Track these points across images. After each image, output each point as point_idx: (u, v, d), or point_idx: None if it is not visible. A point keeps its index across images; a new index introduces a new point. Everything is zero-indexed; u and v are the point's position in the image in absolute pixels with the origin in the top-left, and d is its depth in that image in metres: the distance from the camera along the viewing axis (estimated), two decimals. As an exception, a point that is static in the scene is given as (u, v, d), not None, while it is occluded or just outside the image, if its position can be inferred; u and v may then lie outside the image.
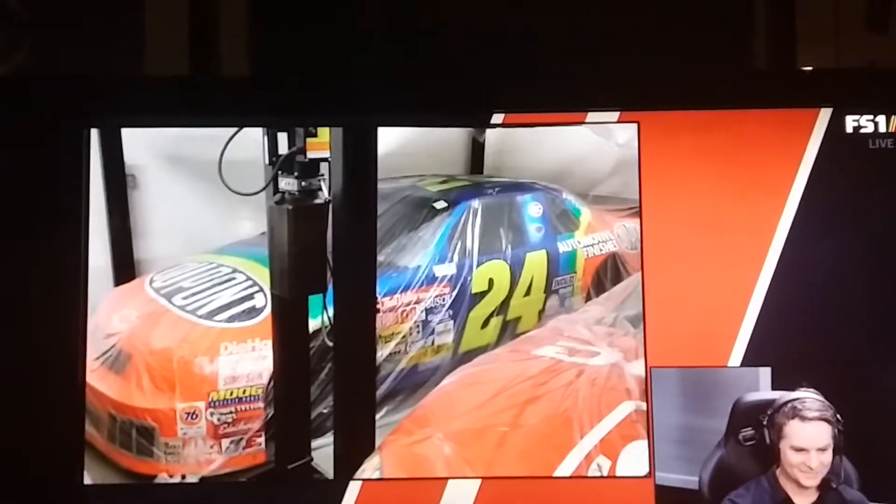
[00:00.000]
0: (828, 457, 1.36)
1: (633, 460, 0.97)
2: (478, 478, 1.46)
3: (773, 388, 1.43)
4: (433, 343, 1.38)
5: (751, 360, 1.45)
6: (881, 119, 1.48)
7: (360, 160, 1.27)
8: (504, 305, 1.44)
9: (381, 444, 1.20)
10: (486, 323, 1.42)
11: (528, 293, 1.46)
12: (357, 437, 1.23)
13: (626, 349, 1.08)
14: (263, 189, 1.35)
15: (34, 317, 1.43)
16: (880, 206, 1.47)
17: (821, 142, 1.47)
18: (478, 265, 1.42)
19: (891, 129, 1.48)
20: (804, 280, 1.46)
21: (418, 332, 1.36)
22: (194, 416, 1.34)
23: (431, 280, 1.39)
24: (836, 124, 1.47)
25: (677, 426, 1.45)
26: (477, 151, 1.53)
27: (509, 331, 1.40)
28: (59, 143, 1.48)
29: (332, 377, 1.20)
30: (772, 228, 1.47)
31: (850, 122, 1.48)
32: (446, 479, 1.46)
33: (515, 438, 1.04)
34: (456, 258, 1.42)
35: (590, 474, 1.11)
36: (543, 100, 1.51)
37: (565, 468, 0.98)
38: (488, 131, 1.46)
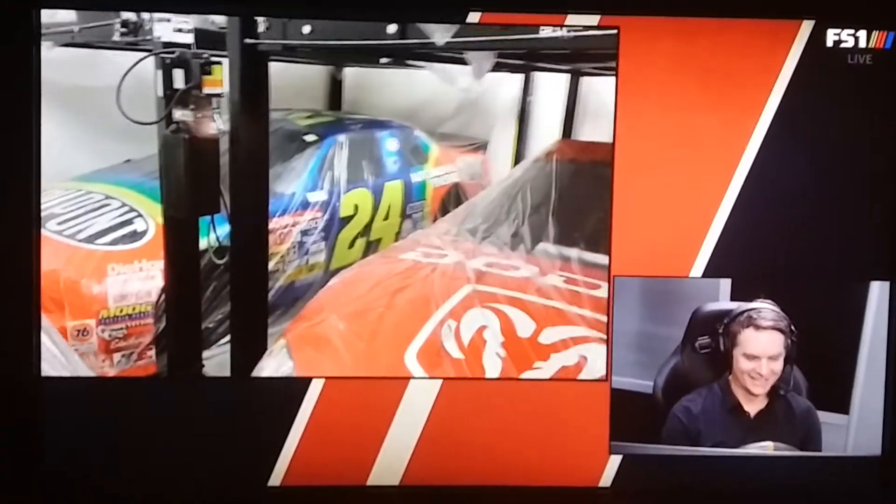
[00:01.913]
0: (778, 365, 1.41)
1: (473, 322, 1.27)
2: (438, 378, 1.49)
3: (733, 299, 1.47)
4: (307, 262, 1.53)
5: (712, 271, 1.47)
6: (862, 34, 1.45)
7: (253, 93, 1.35)
8: (367, 228, 1.62)
9: (284, 330, 1.36)
10: (352, 244, 1.60)
11: (387, 217, 1.66)
12: (251, 343, 1.36)
13: (465, 251, 1.39)
14: (161, 120, 1.38)
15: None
16: (852, 124, 1.47)
17: (800, 55, 1.45)
18: (345, 192, 1.59)
19: (871, 45, 1.46)
20: (771, 194, 1.47)
21: (294, 252, 1.50)
22: (85, 333, 1.42)
23: (305, 206, 1.53)
24: (817, 37, 1.45)
25: (636, 333, 1.48)
26: (335, 88, 1.69)
27: (371, 250, 1.61)
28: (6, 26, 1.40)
29: (230, 290, 1.34)
30: (744, 142, 1.46)
31: (832, 36, 1.45)
32: (408, 378, 1.49)
33: (391, 314, 1.32)
34: (326, 186, 1.58)
35: (441, 335, 1.30)
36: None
37: (426, 330, 1.27)
38: (345, 70, 1.64)
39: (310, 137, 1.59)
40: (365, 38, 1.36)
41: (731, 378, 1.44)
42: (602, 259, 1.32)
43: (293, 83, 1.48)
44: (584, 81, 1.58)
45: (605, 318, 1.26)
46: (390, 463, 1.49)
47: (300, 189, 1.53)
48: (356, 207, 1.61)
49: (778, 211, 1.47)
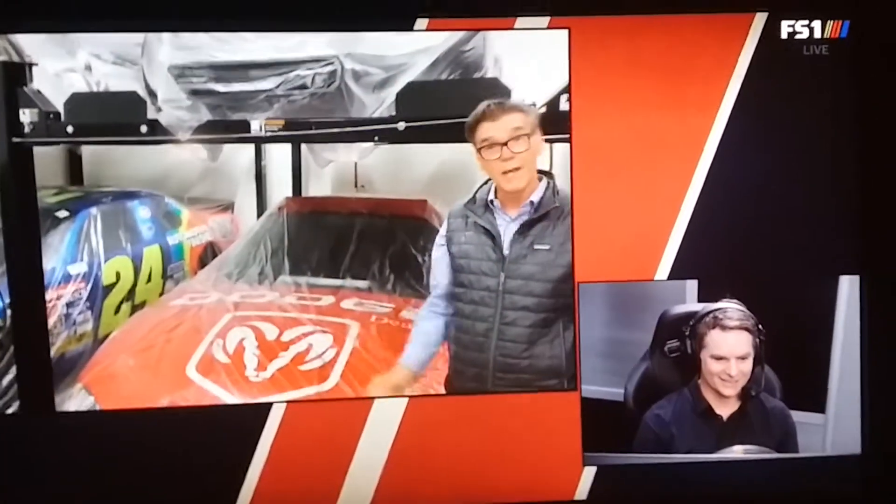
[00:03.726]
0: (748, 365, 1.38)
1: (235, 337, 1.56)
2: (405, 396, 1.46)
3: (700, 300, 1.43)
4: (76, 332, 1.61)
5: (678, 273, 1.43)
6: (817, 24, 1.43)
7: (17, 181, 1.47)
8: (131, 292, 1.75)
9: (82, 374, 1.53)
10: (118, 309, 1.71)
11: (149, 280, 1.81)
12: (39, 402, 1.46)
13: (224, 290, 1.73)
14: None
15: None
16: (812, 115, 1.44)
17: (755, 47, 1.42)
18: (105, 262, 1.70)
19: (826, 35, 1.43)
20: (734, 191, 1.43)
21: (62, 324, 1.57)
22: None
23: (67, 278, 1.61)
24: (771, 30, 1.42)
25: (603, 339, 1.44)
26: (75, 163, 1.82)
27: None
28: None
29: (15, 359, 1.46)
30: (702, 141, 1.43)
31: (786, 28, 1.43)
32: (373, 398, 1.45)
33: (170, 346, 1.56)
34: (86, 258, 1.67)
35: (212, 350, 1.54)
36: (470, 4, 1.43)
37: (200, 350, 1.54)
38: (84, 150, 1.79)
39: (62, 213, 1.69)
40: (122, 134, 1.52)
41: (700, 381, 1.40)
42: (323, 281, 1.74)
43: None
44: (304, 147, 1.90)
45: (325, 318, 1.62)
46: (358, 487, 1.45)
47: (60, 263, 1.61)
48: (118, 275, 1.72)
49: (742, 208, 1.44)
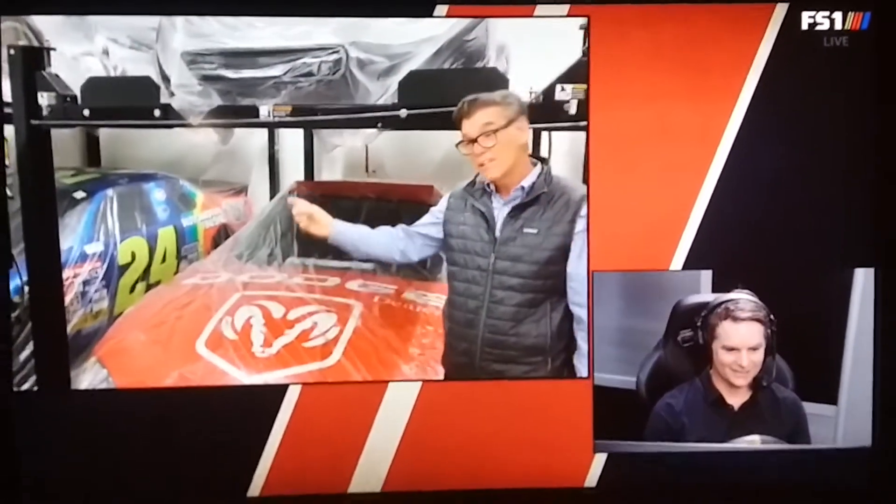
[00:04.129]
0: (759, 356, 1.38)
1: (243, 315, 1.62)
2: (419, 380, 1.47)
3: (714, 290, 1.44)
4: (92, 310, 1.66)
5: (693, 263, 1.44)
6: (837, 16, 1.42)
7: (35, 162, 1.50)
8: (146, 272, 1.80)
9: (96, 348, 1.58)
10: (133, 288, 1.76)
11: (164, 261, 1.85)
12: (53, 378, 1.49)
13: (234, 270, 1.80)
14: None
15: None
16: (831, 107, 1.43)
17: (775, 39, 1.41)
18: (121, 242, 1.75)
19: (847, 27, 1.43)
20: (750, 183, 1.43)
21: (78, 302, 1.62)
22: None
23: (84, 258, 1.65)
24: (791, 21, 1.41)
25: (617, 329, 1.45)
26: (93, 145, 1.86)
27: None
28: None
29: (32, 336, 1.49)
30: (719, 132, 1.43)
31: (806, 19, 1.42)
32: (387, 381, 1.47)
33: (181, 322, 1.62)
34: (102, 238, 1.71)
35: (221, 327, 1.59)
36: (490, -9, 1.43)
37: (209, 327, 1.59)
38: (102, 132, 1.83)
39: (79, 194, 1.72)
40: (137, 117, 1.56)
41: (711, 371, 1.41)
42: (330, 262, 1.80)
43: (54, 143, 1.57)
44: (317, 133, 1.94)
45: (330, 298, 1.69)
46: (371, 469, 1.47)
47: (77, 243, 1.65)
48: (133, 255, 1.77)
49: (758, 199, 1.44)
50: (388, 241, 1.54)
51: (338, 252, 1.76)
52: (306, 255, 1.82)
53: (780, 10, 1.41)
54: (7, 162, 1.47)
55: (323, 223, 1.52)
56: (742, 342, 1.37)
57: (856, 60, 1.42)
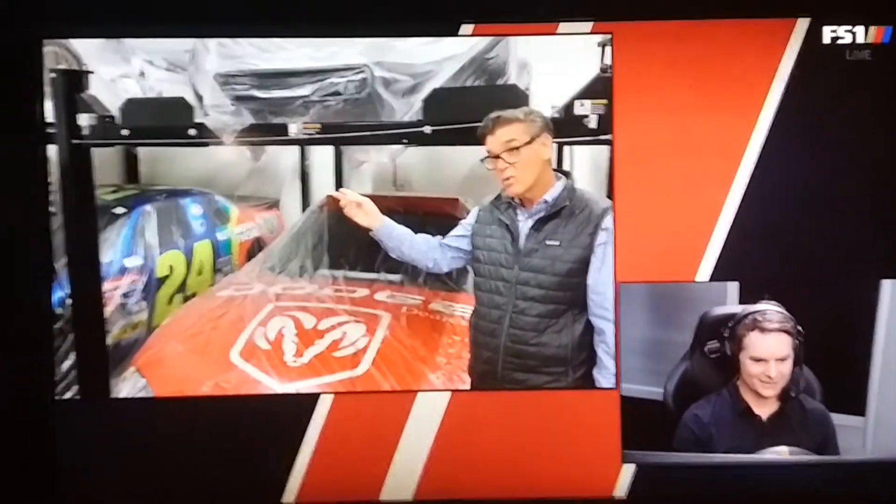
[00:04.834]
0: (787, 367, 1.39)
1: (275, 325, 1.68)
2: (448, 390, 1.50)
3: (741, 302, 1.45)
4: (131, 321, 1.71)
5: (719, 274, 1.45)
6: (859, 30, 1.44)
7: (77, 180, 1.58)
8: (183, 285, 1.85)
9: (135, 358, 1.63)
10: (171, 300, 1.81)
11: (200, 273, 1.90)
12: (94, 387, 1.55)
13: (267, 282, 1.86)
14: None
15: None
16: (854, 121, 1.44)
17: (797, 53, 1.43)
18: (159, 255, 1.81)
19: (869, 40, 1.44)
20: (775, 194, 1.45)
21: (118, 313, 1.67)
22: None
23: (123, 271, 1.72)
24: (813, 35, 1.43)
25: (644, 339, 1.46)
26: (131, 163, 1.90)
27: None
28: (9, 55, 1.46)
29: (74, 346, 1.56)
30: (743, 144, 1.45)
31: (828, 33, 1.44)
32: (415, 391, 1.49)
33: (216, 333, 1.68)
34: (141, 251, 1.78)
35: (254, 337, 1.65)
36: (514, 10, 1.46)
37: (243, 337, 1.65)
38: (140, 150, 1.87)
39: (119, 210, 1.79)
40: (172, 136, 1.63)
41: (739, 382, 1.42)
42: (359, 274, 1.86)
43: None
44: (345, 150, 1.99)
45: (359, 309, 1.73)
46: (403, 477, 1.49)
47: (117, 257, 1.71)
48: (171, 268, 1.83)
49: (783, 211, 1.45)
50: (427, 248, 1.59)
51: (366, 263, 1.82)
52: (336, 266, 1.89)
53: (802, 25, 1.43)
54: (50, 179, 1.53)
55: (373, 214, 1.58)
56: (770, 353, 1.38)
57: (879, 73, 1.44)
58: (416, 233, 1.60)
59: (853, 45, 1.44)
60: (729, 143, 1.45)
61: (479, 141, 1.49)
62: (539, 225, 1.48)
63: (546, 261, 1.47)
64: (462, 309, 1.73)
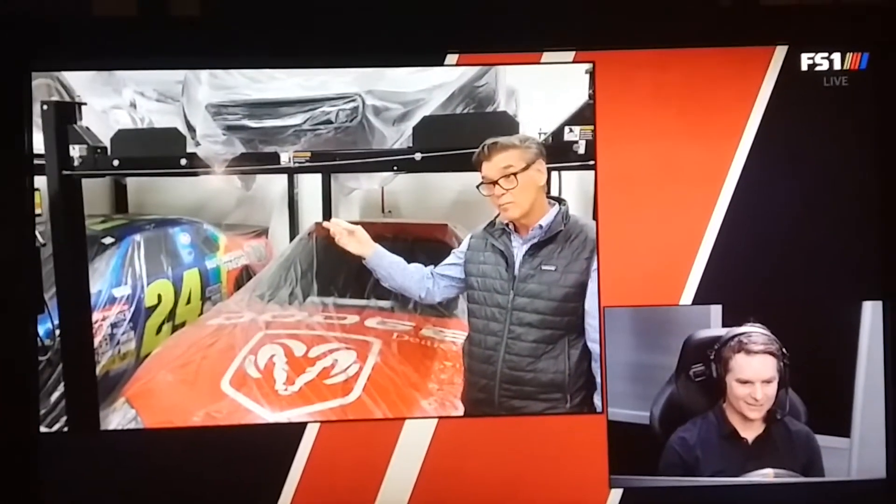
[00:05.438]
0: (773, 389, 1.40)
1: (266, 353, 1.68)
2: (435, 417, 1.50)
3: (724, 324, 1.46)
4: (119, 351, 1.72)
5: (702, 298, 1.47)
6: (836, 56, 1.47)
7: (67, 211, 1.56)
8: (172, 313, 1.86)
9: (124, 390, 1.63)
10: (159, 329, 1.82)
11: (188, 302, 1.92)
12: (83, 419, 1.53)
13: (257, 310, 1.86)
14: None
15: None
16: (832, 146, 1.47)
17: (776, 80, 1.46)
18: (148, 285, 1.82)
19: (846, 67, 1.47)
20: (756, 219, 1.47)
21: (107, 344, 1.68)
22: None
23: (112, 301, 1.72)
24: (791, 62, 1.46)
25: (629, 363, 1.47)
26: (120, 192, 1.95)
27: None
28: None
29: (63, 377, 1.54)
30: (724, 170, 1.47)
31: (805, 60, 1.47)
32: (404, 419, 1.50)
33: (207, 362, 1.67)
34: (129, 281, 1.78)
35: (245, 366, 1.64)
36: (498, 40, 1.49)
37: (234, 366, 1.64)
38: (129, 180, 1.91)
39: (107, 240, 1.80)
40: (164, 166, 1.60)
41: (725, 405, 1.43)
42: (349, 301, 1.88)
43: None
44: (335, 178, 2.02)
45: (350, 335, 1.75)
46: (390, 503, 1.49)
47: (105, 286, 1.71)
48: (159, 297, 1.83)
49: (765, 234, 1.47)
50: (419, 277, 1.59)
51: (356, 290, 1.83)
52: (326, 293, 1.89)
53: (780, 52, 1.46)
54: (38, 210, 1.52)
55: (365, 242, 1.56)
56: (756, 375, 1.39)
57: (856, 99, 1.47)
58: (406, 259, 1.60)
59: (830, 72, 1.47)
60: (710, 168, 1.47)
61: (475, 167, 1.50)
62: (534, 250, 1.49)
63: (542, 286, 1.47)
64: (453, 334, 1.74)
